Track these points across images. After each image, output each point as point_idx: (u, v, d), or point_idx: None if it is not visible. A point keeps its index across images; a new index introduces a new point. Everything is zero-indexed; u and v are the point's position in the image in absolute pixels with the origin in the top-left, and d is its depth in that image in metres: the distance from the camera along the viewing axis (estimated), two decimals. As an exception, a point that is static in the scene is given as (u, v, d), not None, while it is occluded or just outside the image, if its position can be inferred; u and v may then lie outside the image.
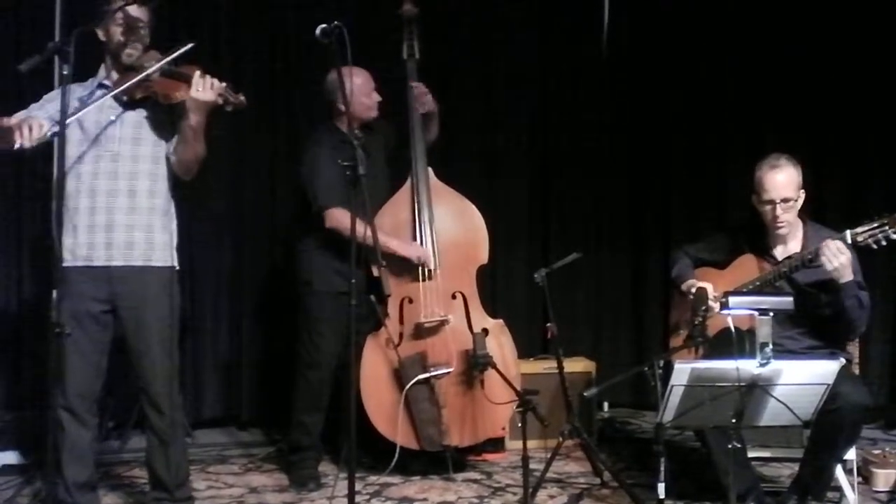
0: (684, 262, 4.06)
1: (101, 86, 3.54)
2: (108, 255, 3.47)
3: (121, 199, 3.48)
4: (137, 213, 3.50)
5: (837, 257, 3.53)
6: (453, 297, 4.42)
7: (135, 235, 3.50)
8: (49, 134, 3.35)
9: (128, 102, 3.50)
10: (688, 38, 5.82)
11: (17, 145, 3.26)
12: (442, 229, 4.44)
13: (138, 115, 3.53)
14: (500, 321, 4.50)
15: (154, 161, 3.55)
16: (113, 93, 3.44)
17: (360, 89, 4.29)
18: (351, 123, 3.76)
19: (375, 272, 4.13)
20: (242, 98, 3.51)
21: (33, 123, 3.29)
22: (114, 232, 3.47)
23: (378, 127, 4.50)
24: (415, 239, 4.40)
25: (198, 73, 3.42)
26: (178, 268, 3.66)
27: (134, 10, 3.46)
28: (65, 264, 3.44)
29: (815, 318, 3.75)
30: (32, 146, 3.30)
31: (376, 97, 4.41)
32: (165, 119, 3.56)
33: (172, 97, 3.46)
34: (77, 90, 3.46)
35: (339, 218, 4.16)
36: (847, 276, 3.59)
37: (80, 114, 3.37)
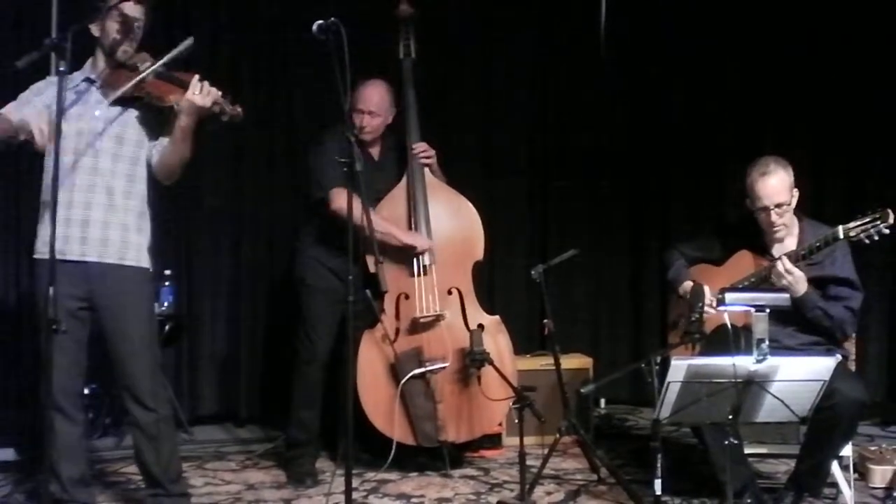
0: (679, 262, 4.08)
1: (87, 80, 3.52)
2: (83, 251, 3.45)
3: (98, 196, 3.46)
4: (113, 210, 3.48)
5: (785, 277, 3.62)
6: (449, 292, 4.44)
7: (110, 233, 3.48)
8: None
9: (115, 100, 3.47)
10: (687, 36, 5.80)
11: (40, 146, 3.27)
12: (438, 226, 4.45)
13: (124, 115, 3.50)
14: (497, 317, 4.50)
15: (133, 162, 3.52)
16: (113, 97, 3.42)
17: (355, 100, 4.26)
18: (351, 124, 3.76)
19: (372, 268, 4.14)
20: (239, 109, 3.49)
21: (43, 127, 3.29)
22: (89, 227, 3.45)
23: (392, 142, 4.54)
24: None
25: (196, 77, 3.40)
26: (152, 269, 3.64)
27: (130, 8, 3.45)
28: (37, 256, 3.46)
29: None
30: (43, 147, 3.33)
31: (364, 120, 4.34)
32: (151, 121, 3.54)
33: (165, 99, 3.43)
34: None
35: (343, 199, 4.10)
36: (800, 289, 3.64)
37: (66, 110, 3.36)
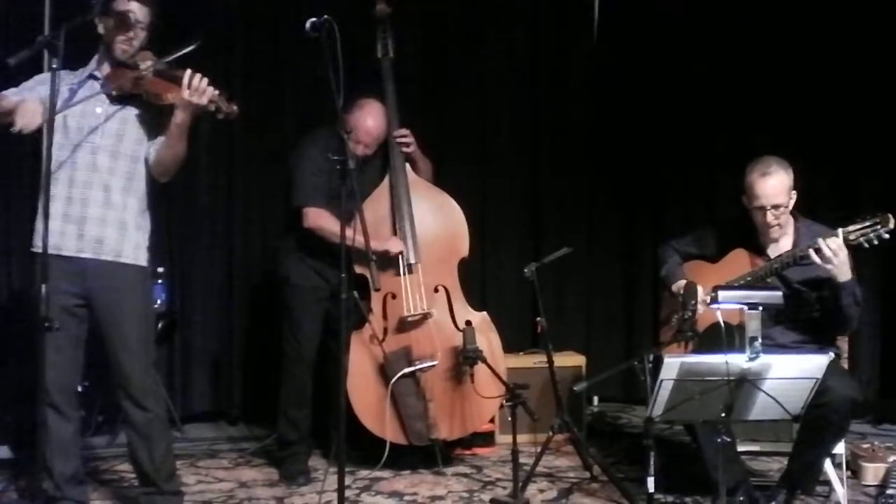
0: (673, 259, 4.06)
1: (91, 76, 3.51)
2: (79, 247, 3.44)
3: (96, 192, 3.45)
4: (112, 208, 3.47)
5: (837, 255, 3.52)
6: (436, 290, 4.44)
7: (107, 231, 3.46)
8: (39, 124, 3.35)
9: (116, 97, 3.47)
10: (679, 36, 5.81)
11: (16, 128, 3.25)
12: (421, 224, 4.44)
13: (125, 112, 3.50)
14: (485, 314, 4.50)
15: (133, 160, 3.51)
16: (114, 94, 3.41)
17: (356, 131, 4.26)
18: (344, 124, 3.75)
19: (358, 269, 4.14)
20: (235, 108, 3.47)
21: (31, 110, 3.27)
22: (86, 224, 3.44)
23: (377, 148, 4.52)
24: (395, 234, 4.41)
25: (189, 71, 3.37)
26: (149, 268, 3.63)
27: (135, 8, 3.42)
28: (34, 249, 3.43)
29: (805, 313, 3.76)
30: (28, 132, 3.30)
31: (361, 149, 4.30)
32: (151, 119, 3.53)
33: (163, 98, 3.42)
34: (66, 77, 3.42)
35: (315, 218, 4.19)
36: (846, 274, 3.57)
37: (69, 106, 3.36)
